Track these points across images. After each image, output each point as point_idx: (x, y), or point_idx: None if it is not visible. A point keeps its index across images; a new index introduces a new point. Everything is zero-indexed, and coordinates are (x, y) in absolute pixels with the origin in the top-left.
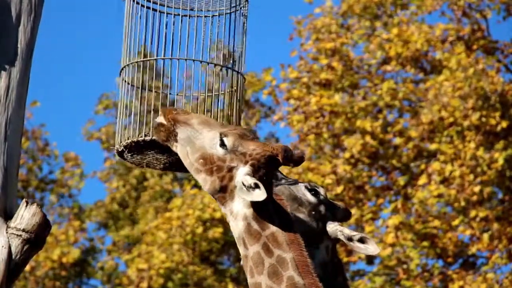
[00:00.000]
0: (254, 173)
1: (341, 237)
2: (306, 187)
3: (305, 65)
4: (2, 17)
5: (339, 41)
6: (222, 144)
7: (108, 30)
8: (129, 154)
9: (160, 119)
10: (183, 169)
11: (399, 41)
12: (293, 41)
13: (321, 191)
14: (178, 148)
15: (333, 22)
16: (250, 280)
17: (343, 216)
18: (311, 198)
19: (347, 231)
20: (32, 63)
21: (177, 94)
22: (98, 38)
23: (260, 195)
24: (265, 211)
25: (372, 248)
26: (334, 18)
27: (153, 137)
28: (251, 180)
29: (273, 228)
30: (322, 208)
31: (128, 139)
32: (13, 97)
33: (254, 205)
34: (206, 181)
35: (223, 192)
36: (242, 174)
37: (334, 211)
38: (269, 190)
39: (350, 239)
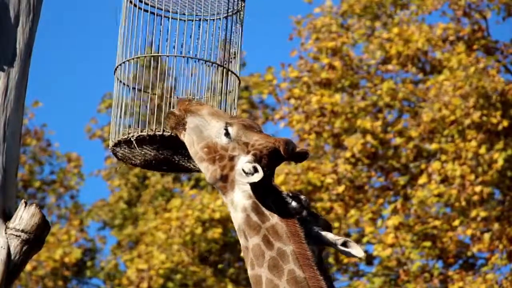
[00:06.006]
0: (255, 163)
1: (325, 241)
2: (288, 194)
3: (305, 64)
4: (1, 18)
5: (340, 40)
6: (227, 133)
7: (108, 29)
8: (124, 147)
9: (174, 109)
10: (165, 169)
11: (399, 40)
12: (293, 40)
13: (302, 198)
14: (185, 136)
15: (333, 22)
16: (250, 272)
17: (323, 225)
18: (294, 204)
19: (331, 236)
20: (31, 64)
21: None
22: (98, 38)
23: (257, 177)
24: (265, 204)
25: (354, 251)
26: (334, 18)
27: (164, 132)
28: (250, 165)
29: (273, 221)
30: (304, 213)
31: (141, 131)
32: (11, 97)
33: (255, 194)
34: (208, 170)
35: (224, 181)
36: (243, 162)
37: (316, 218)
38: (269, 181)
39: (334, 243)
